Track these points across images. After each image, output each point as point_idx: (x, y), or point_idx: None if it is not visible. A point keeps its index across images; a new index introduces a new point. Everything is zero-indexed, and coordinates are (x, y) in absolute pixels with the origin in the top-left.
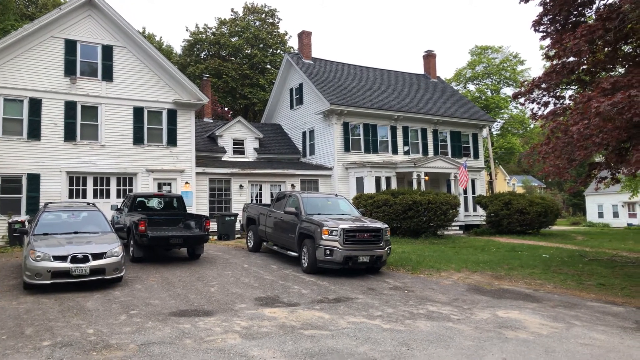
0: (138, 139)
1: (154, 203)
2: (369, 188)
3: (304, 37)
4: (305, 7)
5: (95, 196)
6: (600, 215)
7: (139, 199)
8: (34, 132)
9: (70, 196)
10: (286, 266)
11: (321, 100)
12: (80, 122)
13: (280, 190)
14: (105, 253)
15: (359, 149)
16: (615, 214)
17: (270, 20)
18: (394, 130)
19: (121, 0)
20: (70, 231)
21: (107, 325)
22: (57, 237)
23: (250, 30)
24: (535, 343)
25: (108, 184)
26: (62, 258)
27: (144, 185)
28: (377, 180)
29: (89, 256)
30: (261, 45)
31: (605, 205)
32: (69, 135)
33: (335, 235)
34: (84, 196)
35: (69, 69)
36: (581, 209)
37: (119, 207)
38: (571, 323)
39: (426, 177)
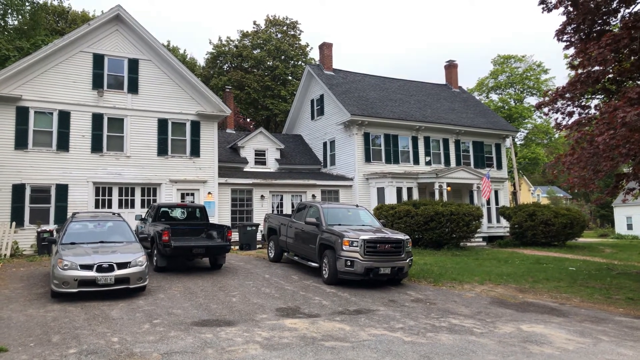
0: (162, 150)
1: (177, 213)
2: (390, 199)
3: (325, 48)
4: (327, 19)
5: (120, 206)
6: (630, 227)
7: (162, 209)
8: (63, 144)
9: (97, 206)
10: (307, 277)
11: (342, 111)
12: (106, 134)
13: (301, 200)
14: (130, 262)
15: (380, 160)
16: None
17: (292, 32)
18: (415, 140)
19: (146, 15)
20: (96, 240)
21: (131, 334)
22: (83, 247)
23: (272, 42)
24: (560, 359)
25: (133, 194)
26: (88, 267)
27: (167, 196)
28: (399, 190)
29: (114, 265)
30: (283, 57)
31: (635, 217)
32: (96, 146)
33: (356, 246)
34: (110, 206)
35: (97, 82)
36: (609, 220)
37: (143, 217)
38: (598, 338)
39: (448, 188)
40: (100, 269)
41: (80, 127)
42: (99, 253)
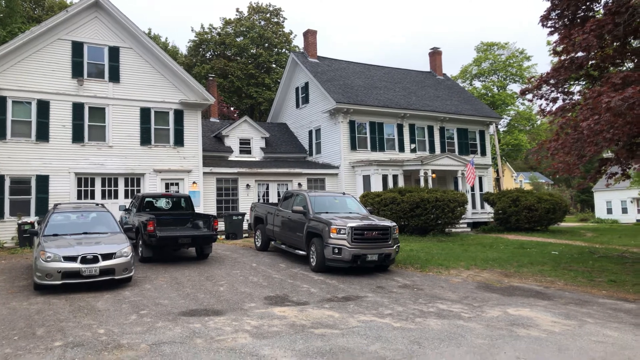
0: (145, 140)
1: (162, 203)
2: (376, 186)
3: (309, 36)
4: (310, 6)
5: (103, 197)
6: (609, 211)
7: (147, 199)
8: (43, 134)
9: (79, 197)
10: (294, 265)
11: (327, 98)
12: (88, 124)
13: (287, 189)
14: (115, 253)
15: (366, 147)
16: (625, 210)
17: (275, 20)
18: (400, 128)
19: (127, 2)
20: (79, 232)
21: (118, 325)
22: (66, 238)
23: (255, 29)
24: (547, 341)
25: (116, 185)
26: (72, 259)
27: (151, 186)
28: (384, 178)
29: (99, 256)
30: (266, 44)
31: (614, 202)
32: (77, 136)
33: (343, 234)
34: (93, 197)
35: (77, 71)
36: (589, 205)
37: (127, 207)
38: (583, 320)
39: (433, 175)
40: (84, 260)
41: (61, 117)
42: (82, 244)
